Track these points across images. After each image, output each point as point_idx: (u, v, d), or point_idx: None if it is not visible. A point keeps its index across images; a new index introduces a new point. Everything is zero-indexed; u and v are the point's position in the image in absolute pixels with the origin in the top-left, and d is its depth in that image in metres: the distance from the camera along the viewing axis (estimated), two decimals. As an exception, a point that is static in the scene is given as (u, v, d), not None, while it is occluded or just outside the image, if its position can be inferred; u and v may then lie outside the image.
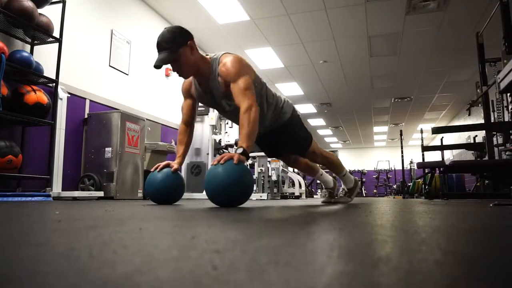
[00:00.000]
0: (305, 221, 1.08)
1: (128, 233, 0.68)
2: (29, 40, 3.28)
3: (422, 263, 0.41)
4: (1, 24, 2.97)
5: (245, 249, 0.50)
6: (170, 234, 0.69)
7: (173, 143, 4.85)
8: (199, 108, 3.93)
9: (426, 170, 5.02)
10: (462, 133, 9.84)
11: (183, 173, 5.11)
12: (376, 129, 13.39)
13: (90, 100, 4.06)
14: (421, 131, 7.09)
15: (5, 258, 0.43)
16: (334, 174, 2.92)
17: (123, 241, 0.56)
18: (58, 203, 2.37)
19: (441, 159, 6.46)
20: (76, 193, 3.22)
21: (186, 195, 4.20)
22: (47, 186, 3.11)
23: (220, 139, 5.39)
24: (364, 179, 14.27)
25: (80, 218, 1.03)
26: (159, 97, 5.32)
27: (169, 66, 2.03)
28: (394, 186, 12.30)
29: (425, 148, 6.02)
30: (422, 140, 6.92)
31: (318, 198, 6.95)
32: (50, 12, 3.32)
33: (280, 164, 6.22)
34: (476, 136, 7.20)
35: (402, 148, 7.31)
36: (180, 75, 2.03)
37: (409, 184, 7.85)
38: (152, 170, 2.09)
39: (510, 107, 3.72)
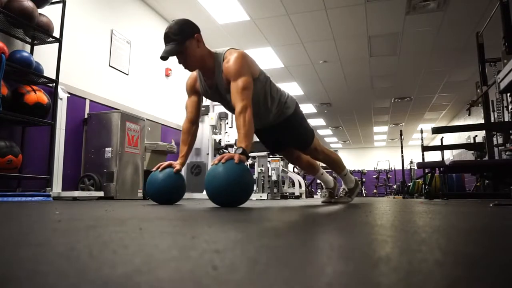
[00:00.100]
0: (305, 221, 1.08)
1: (128, 233, 0.68)
2: (29, 40, 3.28)
3: (422, 263, 0.41)
4: (1, 24, 2.97)
5: (245, 249, 0.50)
6: (170, 234, 0.69)
7: (173, 143, 4.85)
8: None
9: (426, 170, 5.02)
10: (462, 133, 9.84)
11: (183, 173, 5.11)
12: (376, 129, 13.39)
13: (90, 100, 4.06)
14: (421, 131, 7.09)
15: (5, 258, 0.43)
16: (334, 174, 2.92)
17: (123, 241, 0.56)
18: (58, 203, 2.37)
19: (441, 159, 6.46)
20: (76, 193, 3.22)
21: (186, 195, 4.19)
22: (47, 186, 3.11)
23: (220, 139, 5.39)
24: (364, 179, 14.27)
25: (80, 218, 1.03)
26: (159, 97, 5.32)
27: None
28: (394, 186, 12.30)
29: (425, 148, 6.02)
30: (422, 140, 6.92)
31: (318, 198, 6.96)
32: (50, 12, 3.32)
33: (280, 164, 6.22)
34: (476, 136, 7.20)
35: (402, 148, 7.31)
36: (185, 68, 2.04)
37: (409, 184, 7.85)
38: (153, 169, 2.09)
39: (510, 107, 3.72)
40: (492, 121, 4.46)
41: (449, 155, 11.08)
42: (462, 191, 6.42)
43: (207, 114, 5.26)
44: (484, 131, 4.75)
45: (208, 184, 1.72)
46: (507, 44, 3.00)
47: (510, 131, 3.81)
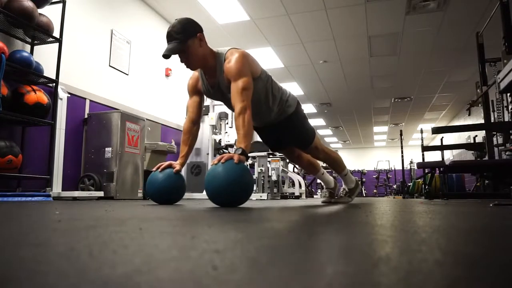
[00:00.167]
0: (305, 221, 1.08)
1: (128, 233, 0.68)
2: (29, 40, 3.28)
3: (422, 263, 0.41)
4: (1, 24, 2.97)
5: (245, 249, 0.50)
6: (170, 234, 0.69)
7: (173, 143, 4.85)
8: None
9: (426, 170, 5.02)
10: (462, 133, 9.84)
11: (183, 173, 5.11)
12: (376, 129, 13.40)
13: (90, 100, 4.06)
14: (421, 131, 7.09)
15: (5, 258, 0.43)
16: (334, 174, 2.92)
17: (123, 241, 0.56)
18: (58, 203, 2.37)
19: (441, 159, 6.46)
20: (76, 193, 3.22)
21: (186, 195, 4.19)
22: (47, 186, 3.11)
23: (220, 139, 5.39)
24: (364, 179, 14.27)
25: (80, 218, 1.03)
26: (159, 97, 5.32)
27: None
28: (394, 186, 12.30)
29: (425, 148, 6.02)
30: (422, 140, 6.92)
31: (318, 198, 6.95)
32: (50, 12, 3.32)
33: (280, 164, 6.22)
34: (476, 136, 7.20)
35: (402, 148, 7.31)
36: (187, 67, 2.04)
37: (409, 184, 7.85)
38: (153, 169, 2.09)
39: (510, 107, 3.72)
40: (492, 121, 4.46)
41: (449, 155, 11.08)
42: (462, 191, 6.42)
43: (207, 114, 5.26)
44: (484, 131, 4.75)
45: (208, 184, 1.72)
46: (507, 44, 3.00)
47: (510, 131, 3.81)
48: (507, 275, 0.37)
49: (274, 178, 5.99)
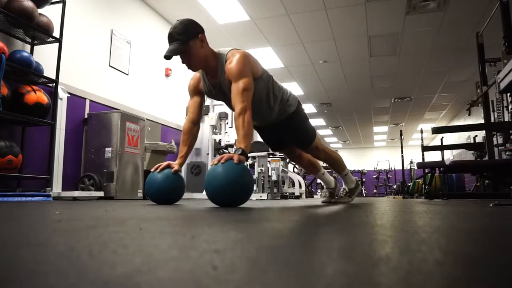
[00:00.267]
0: (305, 221, 1.08)
1: (128, 233, 0.68)
2: (29, 40, 3.28)
3: (422, 263, 0.41)
4: (1, 24, 2.97)
5: (245, 249, 0.50)
6: (170, 234, 0.69)
7: (173, 143, 4.85)
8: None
9: (426, 170, 5.02)
10: (462, 133, 9.84)
11: (183, 173, 5.11)
12: (376, 129, 13.40)
13: (90, 100, 4.06)
14: (421, 131, 7.09)
15: (5, 258, 0.43)
16: (335, 174, 2.92)
17: (123, 241, 0.56)
18: (58, 203, 2.37)
19: (441, 159, 6.46)
20: (76, 193, 3.22)
21: (186, 195, 4.20)
22: (47, 186, 3.11)
23: (220, 139, 5.39)
24: (364, 179, 14.27)
25: (80, 218, 1.03)
26: (159, 97, 5.32)
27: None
28: (394, 186, 12.30)
29: (425, 148, 6.02)
30: (422, 140, 6.92)
31: (318, 198, 6.95)
32: (50, 12, 3.32)
33: (280, 164, 6.22)
34: (476, 136, 7.20)
35: (402, 148, 7.31)
36: (188, 68, 2.04)
37: (409, 184, 7.85)
38: (152, 170, 2.09)
39: (510, 107, 3.72)
40: (492, 121, 4.46)
41: (449, 155, 11.09)
42: (462, 191, 6.42)
43: (207, 114, 5.26)
44: (484, 131, 4.75)
45: (208, 184, 1.72)
46: (507, 44, 3.00)
47: (510, 131, 3.81)
48: (507, 275, 0.37)
49: (274, 178, 5.99)
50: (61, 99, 3.44)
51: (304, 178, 8.61)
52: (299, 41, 6.07)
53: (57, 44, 3.31)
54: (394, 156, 14.97)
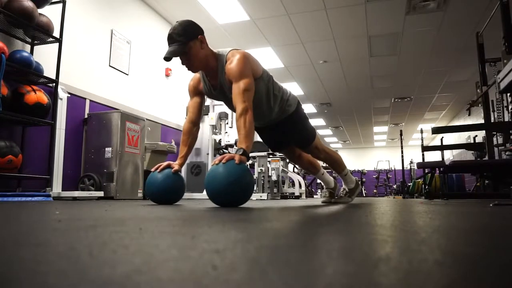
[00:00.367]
0: (305, 221, 1.08)
1: (128, 233, 0.68)
2: (29, 40, 3.28)
3: (422, 263, 0.41)
4: (1, 24, 2.97)
5: (245, 249, 0.50)
6: (170, 234, 0.69)
7: (173, 143, 4.85)
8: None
9: (426, 170, 5.02)
10: (462, 133, 9.84)
11: (183, 173, 5.11)
12: (376, 129, 13.40)
13: (90, 100, 4.06)
14: (421, 131, 7.09)
15: (5, 258, 0.43)
16: (334, 174, 2.92)
17: (123, 241, 0.56)
18: (58, 203, 2.37)
19: (441, 159, 6.46)
20: (76, 193, 3.22)
21: (186, 195, 4.20)
22: (47, 186, 3.11)
23: (220, 139, 5.39)
24: (364, 179, 14.27)
25: (80, 218, 1.03)
26: (159, 97, 5.32)
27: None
28: (394, 186, 12.30)
29: (425, 148, 6.02)
30: (422, 140, 6.92)
31: (318, 198, 6.95)
32: (50, 12, 3.32)
33: (280, 164, 6.22)
34: (476, 136, 7.20)
35: (402, 148, 7.31)
36: (188, 69, 2.04)
37: (409, 184, 7.85)
38: (152, 170, 2.09)
39: (510, 107, 3.72)
40: (492, 121, 4.46)
41: (449, 155, 11.09)
42: (462, 191, 6.42)
43: (207, 114, 5.27)
44: (484, 131, 4.75)
45: (208, 184, 1.72)
46: (507, 44, 3.00)
47: (510, 131, 3.81)
48: (507, 275, 0.37)
49: (274, 178, 5.99)
50: (61, 99, 3.44)
51: (304, 178, 8.61)
52: (299, 41, 6.07)
53: (57, 44, 3.31)
54: (394, 156, 14.97)
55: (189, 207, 1.83)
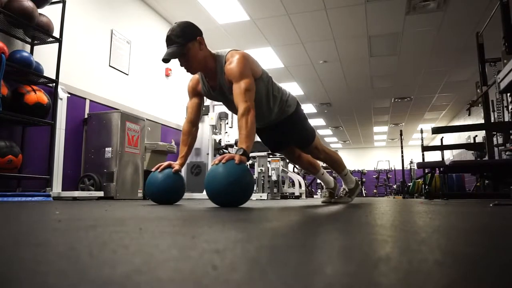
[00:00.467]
0: (305, 221, 1.08)
1: (128, 233, 0.68)
2: (29, 40, 3.28)
3: (422, 263, 0.41)
4: (1, 24, 2.97)
5: (245, 249, 0.50)
6: (170, 234, 0.69)
7: (173, 143, 4.85)
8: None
9: (426, 170, 5.02)
10: (462, 133, 9.84)
11: (183, 173, 5.11)
12: (376, 129, 13.40)
13: (90, 100, 4.06)
14: (421, 131, 7.09)
15: (5, 258, 0.43)
16: (334, 174, 2.92)
17: (123, 241, 0.56)
18: (58, 203, 2.37)
19: (441, 159, 6.46)
20: (76, 193, 3.22)
21: (186, 195, 4.20)
22: (47, 186, 3.11)
23: (220, 139, 5.39)
24: (364, 179, 14.27)
25: (80, 218, 1.03)
26: (159, 97, 5.32)
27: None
28: (394, 186, 12.30)
29: (425, 148, 6.02)
30: (422, 140, 6.92)
31: (318, 198, 6.95)
32: (50, 12, 3.32)
33: (280, 164, 6.22)
34: (476, 136, 7.20)
35: (402, 148, 7.31)
36: (187, 71, 2.04)
37: (409, 184, 7.85)
38: (153, 170, 2.09)
39: (510, 107, 3.72)
40: (492, 121, 4.46)
41: (449, 155, 11.09)
42: (462, 191, 6.42)
43: (207, 114, 5.26)
44: (484, 131, 4.75)
45: (208, 184, 1.72)
46: (507, 44, 3.00)
47: (510, 131, 3.81)
48: (507, 275, 0.37)
49: (274, 178, 5.99)
50: (61, 99, 3.44)
51: (304, 178, 8.61)
52: (299, 41, 6.07)
53: (57, 44, 3.31)
54: (394, 156, 14.97)
55: (189, 207, 1.83)
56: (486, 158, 4.29)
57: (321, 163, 2.90)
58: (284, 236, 0.68)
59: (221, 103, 2.29)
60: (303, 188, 7.20)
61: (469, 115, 5.59)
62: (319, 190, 10.53)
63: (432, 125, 9.36)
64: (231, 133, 5.55)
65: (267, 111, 2.23)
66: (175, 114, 5.66)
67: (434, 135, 12.79)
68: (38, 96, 2.98)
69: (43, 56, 3.36)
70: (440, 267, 0.39)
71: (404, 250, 0.51)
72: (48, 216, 1.19)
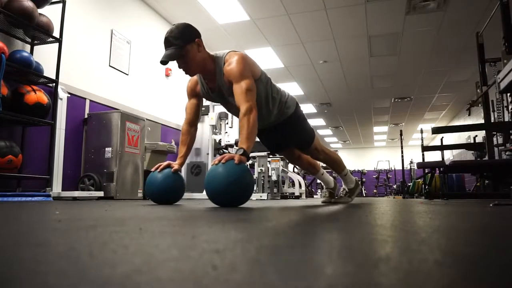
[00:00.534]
0: (305, 221, 1.08)
1: (128, 233, 0.68)
2: (29, 40, 3.28)
3: (422, 263, 0.41)
4: (1, 24, 2.97)
5: (245, 249, 0.50)
6: (170, 234, 0.69)
7: (173, 143, 4.85)
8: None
9: (426, 170, 5.02)
10: (462, 133, 9.84)
11: (183, 173, 5.11)
12: (376, 129, 13.40)
13: (90, 100, 4.06)
14: (421, 131, 7.09)
15: (5, 258, 0.43)
16: (334, 174, 2.92)
17: (123, 241, 0.56)
18: (58, 203, 2.37)
19: (441, 159, 6.46)
20: (76, 193, 3.22)
21: (186, 195, 4.20)
22: (47, 186, 3.11)
23: (220, 139, 5.39)
24: (364, 179, 14.27)
25: (80, 218, 1.03)
26: (159, 97, 5.32)
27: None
28: (394, 186, 12.30)
29: (425, 148, 6.02)
30: (422, 140, 6.92)
31: (318, 198, 6.95)
32: (50, 12, 3.32)
33: (280, 164, 6.22)
34: (476, 136, 7.20)
35: (402, 148, 7.31)
36: (186, 73, 2.04)
37: (409, 184, 7.85)
38: (152, 170, 2.09)
39: (510, 107, 3.72)
40: (492, 121, 4.46)
41: (449, 155, 11.08)
42: (462, 191, 6.42)
43: (207, 114, 5.26)
44: (484, 131, 4.75)
45: (208, 184, 1.72)
46: (507, 44, 3.00)
47: (510, 131, 3.81)
48: (507, 275, 0.37)
49: (274, 178, 5.98)
50: (61, 99, 3.44)
51: (304, 178, 8.60)
52: (299, 41, 6.07)
53: (57, 44, 3.31)
54: (394, 156, 14.96)
55: (189, 207, 1.83)
56: (486, 158, 4.29)
57: (321, 163, 2.91)
58: (284, 236, 0.68)
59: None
60: (303, 188, 7.20)
61: (469, 115, 5.59)
62: (319, 190, 10.53)
63: (432, 125, 9.35)
64: (231, 133, 5.55)
65: (267, 113, 2.22)
66: (175, 114, 5.67)
67: (434, 135, 12.80)
68: (38, 96, 2.98)
69: (43, 56, 3.36)
70: (440, 267, 0.38)
71: (404, 250, 0.51)
72: (48, 216, 1.19)
